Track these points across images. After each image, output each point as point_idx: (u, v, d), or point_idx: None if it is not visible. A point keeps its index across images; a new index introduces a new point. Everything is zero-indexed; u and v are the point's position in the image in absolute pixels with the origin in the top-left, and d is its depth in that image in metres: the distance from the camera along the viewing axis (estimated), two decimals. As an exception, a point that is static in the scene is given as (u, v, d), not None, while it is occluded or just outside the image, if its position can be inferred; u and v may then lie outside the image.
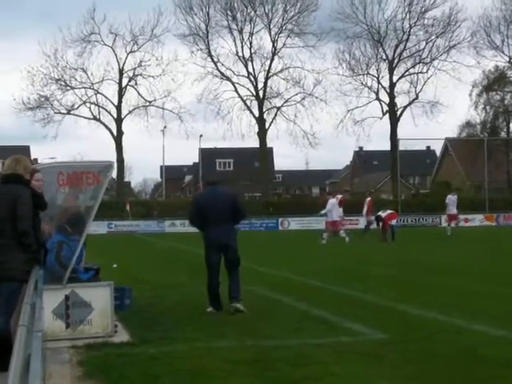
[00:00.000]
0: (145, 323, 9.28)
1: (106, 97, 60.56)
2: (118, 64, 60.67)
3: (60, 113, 59.92)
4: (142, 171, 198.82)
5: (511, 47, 62.70)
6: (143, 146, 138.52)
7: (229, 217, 10.37)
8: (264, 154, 63.54)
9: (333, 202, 28.60)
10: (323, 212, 29.24)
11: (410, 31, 61.89)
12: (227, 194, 10.88)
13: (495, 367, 6.73)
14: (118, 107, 60.55)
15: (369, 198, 33.45)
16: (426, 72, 62.43)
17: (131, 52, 60.50)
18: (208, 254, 10.45)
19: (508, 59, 63.30)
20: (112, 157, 58.70)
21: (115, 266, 16.53)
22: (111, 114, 60.68)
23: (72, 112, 60.28)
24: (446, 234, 31.99)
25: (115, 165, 53.13)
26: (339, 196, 32.37)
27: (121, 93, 60.67)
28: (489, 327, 8.55)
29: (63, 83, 59.45)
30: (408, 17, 61.48)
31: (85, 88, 60.07)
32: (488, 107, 65.62)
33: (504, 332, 8.22)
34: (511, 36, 62.39)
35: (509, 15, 61.92)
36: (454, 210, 33.44)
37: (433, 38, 61.82)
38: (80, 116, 61.00)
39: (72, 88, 59.78)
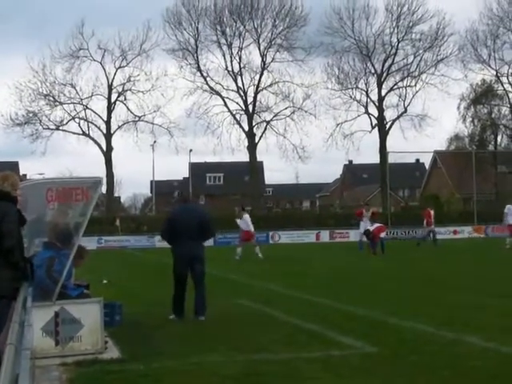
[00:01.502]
0: (135, 339, 9.25)
1: (95, 112, 60.63)
2: (107, 79, 60.80)
3: (49, 128, 59.87)
4: (132, 186, 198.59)
5: (498, 61, 63.28)
6: (133, 161, 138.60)
7: (198, 233, 10.93)
8: (254, 168, 63.59)
9: (246, 217, 28.42)
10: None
11: (397, 45, 62.31)
12: (199, 211, 11.63)
13: (485, 379, 6.75)
14: (108, 122, 60.53)
15: (429, 209, 35.25)
16: (415, 85, 62.83)
17: (120, 67, 60.62)
18: (177, 267, 11.03)
19: (495, 73, 63.81)
20: (102, 172, 58.77)
21: (105, 281, 16.51)
22: (100, 130, 60.67)
23: (61, 128, 60.23)
24: (505, 248, 29.58)
25: (104, 181, 53.17)
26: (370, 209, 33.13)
27: (110, 108, 60.67)
28: (478, 339, 8.58)
29: (52, 99, 59.41)
30: (396, 31, 61.96)
31: (74, 103, 60.12)
32: (476, 120, 66.06)
33: (493, 344, 8.25)
34: (497, 50, 62.96)
35: (495, 30, 62.46)
36: None
37: (420, 52, 62.28)
38: (69, 132, 60.95)
39: (61, 103, 59.76)
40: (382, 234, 28.67)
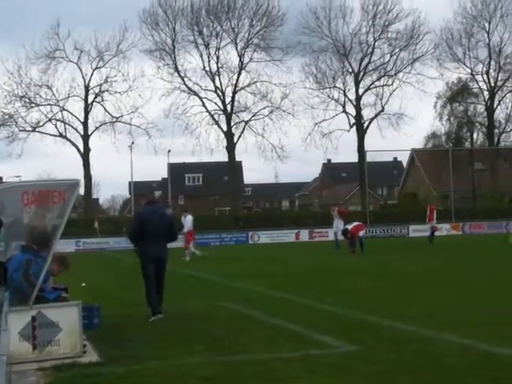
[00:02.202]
0: (114, 342, 9.20)
1: (71, 113, 60.34)
2: (84, 80, 60.55)
3: (25, 130, 59.46)
4: (111, 188, 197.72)
5: (472, 59, 63.88)
6: (111, 162, 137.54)
7: (164, 234, 11.31)
8: (233, 168, 63.58)
9: (189, 218, 29.01)
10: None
11: (374, 44, 62.67)
12: (165, 213, 11.95)
13: (463, 377, 6.78)
14: (85, 124, 60.23)
15: (432, 206, 35.33)
16: (391, 84, 63.24)
17: (97, 68, 60.41)
18: (146, 267, 11.33)
19: (470, 71, 64.36)
20: (79, 174, 58.50)
21: (84, 284, 16.41)
22: (77, 131, 60.42)
23: (37, 129, 59.85)
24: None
25: (82, 182, 52.91)
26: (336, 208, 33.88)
27: (87, 109, 60.36)
28: (456, 337, 8.63)
29: (28, 100, 59.03)
30: (372, 30, 62.31)
31: (50, 105, 59.81)
32: (452, 118, 66.60)
33: (471, 341, 8.29)
34: (472, 48, 63.59)
35: (469, 28, 63.08)
36: None
37: (397, 50, 62.70)
38: (46, 133, 60.61)
39: (37, 105, 59.37)
40: (361, 233, 28.77)
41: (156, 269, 11.32)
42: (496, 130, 65.08)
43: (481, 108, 66.06)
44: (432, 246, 32.44)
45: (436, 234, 40.48)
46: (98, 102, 60.92)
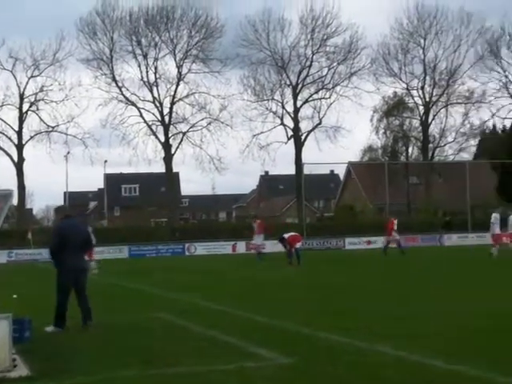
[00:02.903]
0: (45, 356, 8.99)
1: (5, 122, 59.26)
2: (19, 89, 59.52)
3: (-43, 139, 58.03)
4: (46, 198, 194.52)
5: (408, 75, 65.11)
6: (46, 172, 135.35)
7: (82, 246, 11.72)
8: (170, 179, 63.24)
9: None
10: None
11: (312, 58, 63.25)
12: (82, 226, 12.55)
13: (397, 388, 6.83)
14: (19, 133, 59.18)
15: (393, 219, 35.90)
16: (329, 98, 63.86)
17: (32, 77, 59.49)
18: (64, 280, 11.38)
19: (406, 86, 65.58)
20: (13, 184, 57.29)
21: (15, 296, 16.01)
22: (11, 140, 59.32)
23: (-30, 138, 58.47)
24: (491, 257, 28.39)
25: (15, 192, 51.82)
26: (258, 221, 34.24)
27: (21, 118, 59.31)
28: (391, 348, 8.70)
29: (-40, 108, 57.68)
30: (310, 44, 62.85)
31: (-17, 113, 58.47)
32: (388, 132, 67.65)
33: (405, 353, 8.37)
34: (408, 64, 64.83)
35: (406, 44, 64.31)
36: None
37: (334, 64, 63.38)
38: (-22, 142, 59.22)
39: (-30, 113, 58.06)
40: (298, 245, 28.88)
41: (77, 280, 11.49)
42: (430, 145, 66.33)
43: (416, 122, 67.34)
44: (385, 256, 32.93)
45: (371, 246, 41.15)
46: (34, 111, 60.02)
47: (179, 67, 61.37)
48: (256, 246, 34.35)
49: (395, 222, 35.99)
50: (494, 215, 30.32)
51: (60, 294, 11.44)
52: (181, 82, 61.49)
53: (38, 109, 59.87)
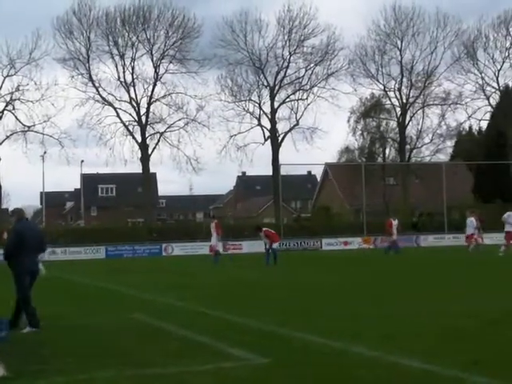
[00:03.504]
0: (22, 356, 8.98)
1: (-20, 121, 58.64)
2: (-6, 88, 58.92)
3: None
4: (22, 198, 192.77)
5: (385, 76, 65.43)
6: (22, 172, 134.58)
7: (38, 247, 11.81)
8: (147, 179, 63.09)
9: None
10: None
11: (289, 59, 63.44)
12: (38, 227, 13.19)
13: (371, 388, 6.91)
14: (-6, 132, 58.68)
15: (392, 219, 36.26)
16: (306, 99, 64.08)
17: (8, 76, 59.02)
18: (24, 280, 11.48)
19: (383, 87, 65.92)
20: (-12, 184, 56.78)
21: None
22: (-14, 140, 58.75)
23: None
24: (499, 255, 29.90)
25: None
26: (215, 221, 34.01)
27: (-3, 118, 58.85)
28: (365, 349, 8.78)
29: None
30: (288, 45, 63.02)
31: (-43, 113, 57.95)
32: (365, 133, 68.02)
33: (379, 353, 8.44)
34: (385, 65, 65.14)
35: (382, 45, 64.63)
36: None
37: (312, 65, 63.61)
38: (-48, 142, 58.67)
39: None
40: (275, 245, 29.00)
41: (31, 281, 11.65)
42: (407, 146, 66.68)
43: (393, 124, 67.68)
44: (387, 257, 33.21)
45: (348, 247, 41.35)
46: (9, 111, 59.55)
47: (156, 67, 61.33)
48: (213, 247, 33.42)
49: (394, 222, 36.20)
50: (508, 213, 31.69)
51: (23, 294, 11.50)
52: (158, 83, 61.50)
53: (14, 108, 59.49)
